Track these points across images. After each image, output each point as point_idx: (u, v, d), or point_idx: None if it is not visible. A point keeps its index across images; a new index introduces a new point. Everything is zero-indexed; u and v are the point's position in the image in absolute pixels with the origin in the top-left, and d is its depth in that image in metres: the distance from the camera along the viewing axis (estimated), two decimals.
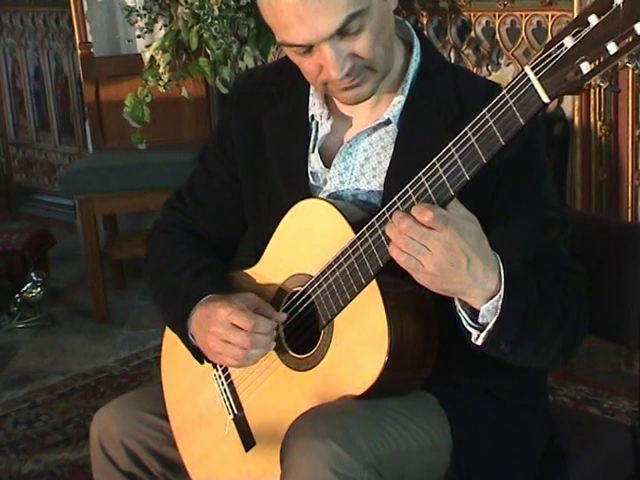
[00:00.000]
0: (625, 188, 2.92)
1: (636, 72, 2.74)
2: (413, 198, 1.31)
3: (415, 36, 1.54)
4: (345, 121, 1.56)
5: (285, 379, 1.50)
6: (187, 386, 1.66)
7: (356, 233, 1.39)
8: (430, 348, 1.42)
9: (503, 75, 3.10)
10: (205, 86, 3.82)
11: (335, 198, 1.53)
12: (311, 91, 1.58)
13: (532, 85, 1.19)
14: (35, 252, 3.96)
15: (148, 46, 3.34)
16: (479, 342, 1.34)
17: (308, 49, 1.41)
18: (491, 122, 1.23)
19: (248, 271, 1.61)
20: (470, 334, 1.35)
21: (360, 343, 1.41)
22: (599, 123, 2.87)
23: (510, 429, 1.52)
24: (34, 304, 3.77)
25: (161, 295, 1.68)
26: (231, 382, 1.59)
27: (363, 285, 1.39)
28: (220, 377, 1.60)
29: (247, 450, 1.55)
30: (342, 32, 1.38)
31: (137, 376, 3.25)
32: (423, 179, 1.30)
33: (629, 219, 2.91)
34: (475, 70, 3.11)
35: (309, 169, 1.57)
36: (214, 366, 1.60)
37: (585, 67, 1.14)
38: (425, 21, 3.23)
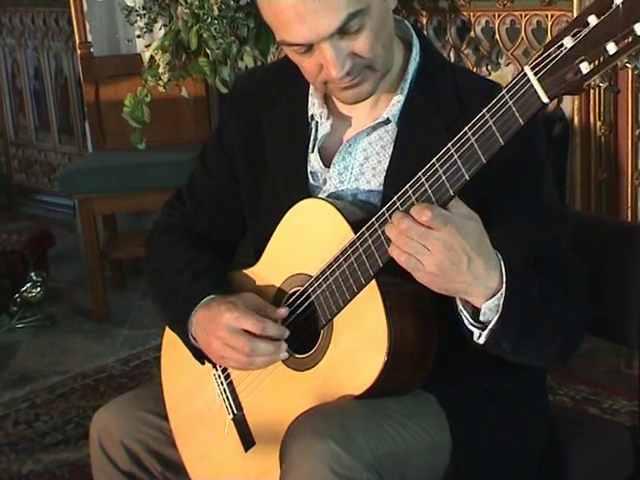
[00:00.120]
0: (625, 188, 2.92)
1: (636, 72, 2.74)
2: (413, 198, 1.31)
3: (414, 35, 1.54)
4: (344, 121, 1.56)
5: (285, 379, 1.50)
6: (187, 386, 1.66)
7: (356, 233, 1.39)
8: (430, 348, 1.42)
9: (503, 75, 3.10)
10: (205, 86, 3.82)
11: (335, 198, 1.53)
12: (310, 91, 1.58)
13: (531, 85, 1.19)
14: (35, 252, 3.97)
15: (148, 46, 3.34)
16: (481, 341, 1.34)
17: (308, 48, 1.41)
18: (490, 122, 1.23)
19: (248, 271, 1.61)
20: (472, 333, 1.35)
21: (360, 343, 1.41)
22: (599, 123, 2.87)
23: (510, 429, 1.52)
24: (34, 304, 3.77)
25: (161, 295, 1.68)
26: (231, 382, 1.59)
27: (363, 285, 1.39)
28: (220, 377, 1.60)
29: (247, 450, 1.55)
30: (342, 31, 1.38)
31: (137, 376, 3.25)
32: (423, 179, 1.30)
33: (629, 219, 2.91)
34: (475, 70, 3.11)
35: (309, 169, 1.57)
36: (214, 366, 1.60)
37: (584, 67, 1.14)
38: (425, 21, 3.23)
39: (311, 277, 1.46)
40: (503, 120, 1.22)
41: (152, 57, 3.28)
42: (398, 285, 1.40)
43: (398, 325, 1.38)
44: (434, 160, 1.29)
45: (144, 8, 3.33)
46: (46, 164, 5.25)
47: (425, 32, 3.16)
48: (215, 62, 3.24)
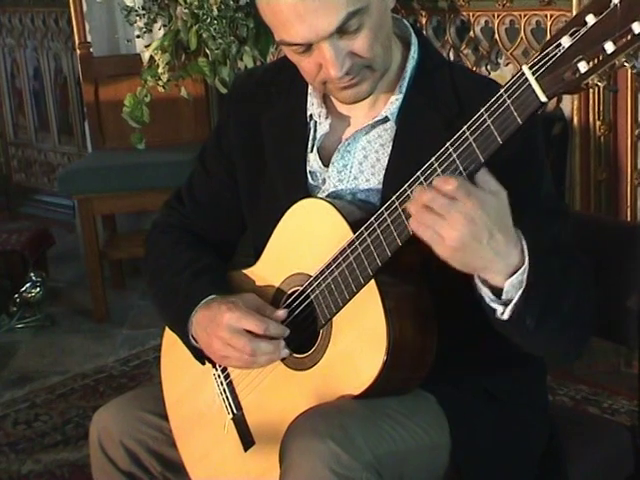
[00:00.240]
0: (624, 188, 2.92)
1: (634, 71, 2.73)
2: (411, 198, 1.31)
3: (412, 34, 1.54)
4: (343, 120, 1.56)
5: (284, 379, 1.50)
6: (187, 386, 1.66)
7: (355, 233, 1.39)
8: (429, 347, 1.42)
9: (502, 75, 3.10)
10: (204, 86, 3.82)
11: (334, 197, 1.53)
12: (309, 90, 1.58)
13: (530, 84, 1.19)
14: (34, 252, 3.97)
15: (147, 46, 3.35)
16: (505, 316, 1.31)
17: (307, 48, 1.41)
18: (489, 122, 1.23)
19: (247, 271, 1.61)
20: (494, 310, 1.32)
21: (359, 342, 1.41)
22: (598, 123, 2.87)
23: (509, 429, 1.52)
24: (33, 304, 3.77)
25: (160, 295, 1.68)
26: (230, 382, 1.59)
27: (362, 284, 1.39)
28: (219, 377, 1.60)
29: (246, 450, 1.55)
30: (341, 30, 1.38)
31: (137, 376, 3.25)
32: (421, 178, 1.30)
33: (628, 219, 2.91)
34: (474, 70, 3.11)
35: (308, 168, 1.57)
36: (213, 366, 1.60)
37: (582, 66, 1.14)
38: (424, 21, 3.23)
39: (310, 277, 1.46)
40: (501, 119, 1.22)
41: (152, 57, 3.29)
42: (397, 285, 1.40)
43: (397, 325, 1.38)
44: (432, 160, 1.29)
45: (143, 8, 3.33)
46: (46, 164, 5.25)
47: (424, 32, 3.16)
48: (215, 62, 3.25)
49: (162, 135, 3.80)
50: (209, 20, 3.12)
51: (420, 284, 1.42)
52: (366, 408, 1.40)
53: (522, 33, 3.04)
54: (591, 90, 2.78)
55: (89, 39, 4.06)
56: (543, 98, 1.18)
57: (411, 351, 1.40)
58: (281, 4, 1.37)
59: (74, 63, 4.74)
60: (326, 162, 1.55)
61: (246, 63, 3.23)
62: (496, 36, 3.11)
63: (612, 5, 1.11)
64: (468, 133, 1.25)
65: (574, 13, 2.71)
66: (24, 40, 5.18)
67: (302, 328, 1.48)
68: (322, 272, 1.44)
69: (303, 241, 1.50)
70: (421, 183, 1.30)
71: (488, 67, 3.19)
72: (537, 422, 1.57)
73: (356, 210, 1.47)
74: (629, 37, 1.11)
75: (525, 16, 3.02)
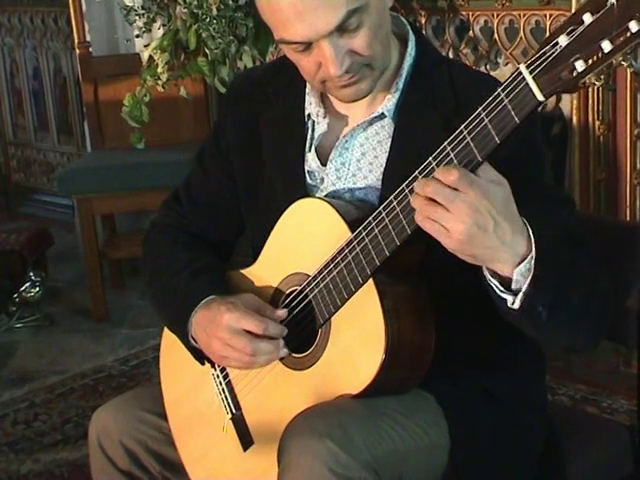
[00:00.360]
0: (623, 187, 2.92)
1: (631, 70, 2.74)
2: (409, 197, 1.31)
3: (410, 31, 1.54)
4: (341, 119, 1.56)
5: (283, 378, 1.50)
6: (186, 385, 1.66)
7: (353, 232, 1.39)
8: (427, 347, 1.42)
9: (501, 74, 3.09)
10: (204, 86, 3.82)
11: (332, 197, 1.53)
12: (307, 90, 1.58)
13: (527, 84, 1.19)
14: (34, 252, 3.97)
15: (147, 46, 3.34)
16: (516, 306, 1.30)
17: (307, 46, 1.41)
18: (486, 121, 1.23)
19: (246, 271, 1.61)
20: (505, 301, 1.31)
21: (357, 342, 1.41)
22: (597, 122, 2.87)
23: (508, 428, 1.52)
24: (33, 304, 3.77)
25: (159, 296, 1.68)
26: (229, 381, 1.59)
27: (360, 284, 1.39)
28: (218, 376, 1.60)
29: (245, 449, 1.55)
30: (341, 29, 1.38)
31: (136, 376, 3.25)
32: (420, 177, 1.30)
33: (627, 218, 2.91)
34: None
35: (306, 168, 1.57)
36: (212, 366, 1.60)
37: (580, 65, 1.14)
38: (423, 20, 3.23)
39: (309, 276, 1.46)
40: (499, 118, 1.22)
41: (151, 57, 3.29)
42: (396, 284, 1.40)
43: (396, 324, 1.38)
44: (430, 159, 1.29)
45: (143, 8, 3.34)
46: (45, 164, 5.25)
47: (424, 31, 3.16)
48: (214, 62, 3.24)
49: (161, 135, 3.80)
50: (208, 20, 3.12)
51: (418, 283, 1.42)
52: (365, 407, 1.40)
53: (521, 33, 3.04)
54: (590, 90, 2.78)
55: (88, 39, 4.06)
56: (540, 97, 1.18)
57: (410, 350, 1.40)
58: (281, 3, 1.37)
59: (73, 63, 4.74)
60: (324, 161, 1.55)
61: (245, 63, 3.23)
62: (495, 36, 3.11)
63: (609, 4, 1.11)
64: (466, 132, 1.25)
65: None
66: (23, 40, 5.18)
67: (301, 328, 1.48)
68: (320, 272, 1.44)
69: (301, 241, 1.50)
70: None
71: (487, 67, 3.19)
72: (536, 421, 1.57)
73: (354, 209, 1.47)
74: (626, 36, 1.11)
75: (524, 16, 3.02)
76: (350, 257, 1.39)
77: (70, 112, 4.99)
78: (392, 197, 1.33)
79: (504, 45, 3.11)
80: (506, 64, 3.14)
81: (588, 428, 1.72)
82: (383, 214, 1.34)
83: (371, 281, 1.38)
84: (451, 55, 3.20)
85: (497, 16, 3.09)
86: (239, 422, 1.56)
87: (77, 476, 2.63)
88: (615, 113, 2.87)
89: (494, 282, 1.31)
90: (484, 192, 1.23)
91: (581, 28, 1.14)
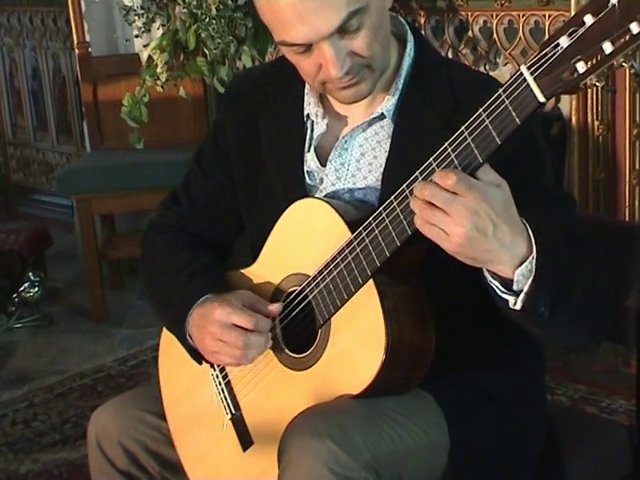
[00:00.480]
0: (622, 187, 2.92)
1: (632, 71, 2.73)
2: (410, 198, 1.31)
3: (408, 31, 1.54)
4: (340, 120, 1.56)
5: (282, 378, 1.50)
6: (185, 386, 1.66)
7: (353, 232, 1.39)
8: (427, 347, 1.42)
9: (501, 74, 3.10)
10: (203, 86, 3.83)
11: (332, 197, 1.53)
12: (306, 90, 1.58)
13: (528, 85, 1.19)
14: (33, 252, 3.97)
15: (146, 46, 3.34)
16: (518, 306, 1.30)
17: (307, 48, 1.41)
18: (487, 122, 1.23)
19: (245, 271, 1.61)
20: (506, 301, 1.31)
21: (357, 342, 1.41)
22: (596, 122, 2.88)
23: (508, 428, 1.52)
24: (32, 304, 3.77)
25: (158, 296, 1.68)
26: (228, 382, 1.59)
27: (360, 284, 1.39)
28: (217, 377, 1.60)
29: (245, 449, 1.55)
30: (342, 30, 1.38)
31: (135, 376, 3.25)
32: (420, 178, 1.30)
33: (626, 218, 2.91)
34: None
35: (305, 168, 1.57)
36: (211, 366, 1.60)
37: (581, 67, 1.14)
38: (423, 20, 3.24)
39: (308, 277, 1.46)
40: (500, 120, 1.22)
41: (150, 57, 3.28)
42: (396, 285, 1.40)
43: (396, 324, 1.38)
44: (431, 159, 1.29)
45: (142, 8, 3.33)
46: (44, 164, 5.25)
47: (423, 32, 3.16)
48: (213, 62, 3.24)
49: (161, 135, 3.80)
50: (208, 20, 3.12)
51: (418, 284, 1.42)
52: (365, 408, 1.40)
53: (520, 33, 3.04)
54: (589, 90, 2.79)
55: (88, 39, 4.06)
56: (541, 98, 1.18)
57: (410, 351, 1.40)
58: (281, 4, 1.37)
59: (73, 63, 4.74)
60: (323, 162, 1.55)
61: (244, 63, 3.23)
62: (494, 36, 3.12)
63: (610, 5, 1.11)
64: (466, 133, 1.25)
65: (572, 13, 2.71)
66: (22, 40, 5.18)
67: (301, 328, 1.48)
68: (320, 272, 1.44)
69: (301, 241, 1.50)
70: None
71: (487, 67, 3.19)
72: (535, 421, 1.57)
73: (353, 210, 1.47)
74: (627, 37, 1.11)
75: (524, 16, 3.02)
76: (350, 257, 1.39)
77: (69, 112, 4.99)
78: (392, 198, 1.33)
79: (503, 45, 3.11)
80: (505, 64, 3.14)
81: (587, 428, 1.72)
82: (383, 215, 1.34)
83: (371, 281, 1.38)
84: (450, 55, 3.20)
85: (496, 16, 3.09)
86: (239, 422, 1.56)
87: (76, 476, 2.63)
88: (614, 113, 2.87)
89: (495, 283, 1.31)
90: (483, 195, 1.23)
91: (582, 29, 1.14)
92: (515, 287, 1.30)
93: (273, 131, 1.60)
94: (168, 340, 1.67)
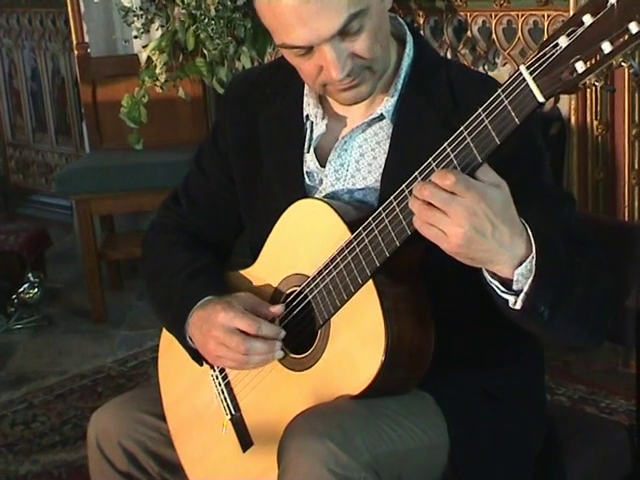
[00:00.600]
0: (622, 187, 2.92)
1: (631, 71, 2.73)
2: (409, 198, 1.31)
3: (408, 32, 1.54)
4: (340, 121, 1.56)
5: (282, 379, 1.50)
6: (184, 386, 1.66)
7: (352, 233, 1.39)
8: (427, 347, 1.42)
9: (499, 75, 3.10)
10: (202, 86, 3.83)
11: (331, 198, 1.53)
12: (305, 91, 1.58)
13: (527, 85, 1.19)
14: (32, 253, 3.96)
15: (145, 46, 3.34)
16: (518, 306, 1.30)
17: (308, 50, 1.41)
18: (486, 122, 1.23)
19: (245, 271, 1.61)
20: (506, 301, 1.31)
21: (357, 343, 1.41)
22: (595, 122, 2.88)
23: (507, 428, 1.52)
24: (31, 305, 3.77)
25: (158, 297, 1.68)
26: (228, 382, 1.59)
27: (360, 285, 1.39)
28: (217, 377, 1.60)
29: (244, 450, 1.55)
30: (343, 32, 1.38)
31: (134, 376, 3.25)
32: (419, 178, 1.30)
33: (626, 218, 2.91)
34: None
35: (305, 169, 1.57)
36: (211, 367, 1.60)
37: (580, 66, 1.14)
38: (422, 21, 3.24)
39: (308, 277, 1.46)
40: (499, 120, 1.22)
41: (149, 58, 3.29)
42: (395, 285, 1.40)
43: (395, 325, 1.38)
44: (430, 160, 1.29)
45: (141, 9, 3.34)
46: (43, 165, 5.25)
47: (422, 32, 3.16)
48: (212, 62, 3.25)
49: (160, 135, 3.80)
50: (207, 20, 3.13)
51: (418, 284, 1.42)
52: (364, 408, 1.40)
53: (519, 33, 3.04)
54: (588, 90, 2.79)
55: (87, 39, 4.06)
56: (541, 98, 1.18)
57: (409, 351, 1.40)
58: (282, 6, 1.37)
59: (72, 64, 4.74)
60: (323, 162, 1.55)
61: (244, 63, 3.23)
62: (493, 36, 3.12)
63: (609, 5, 1.11)
64: (466, 133, 1.25)
65: (571, 13, 2.71)
66: (21, 41, 5.18)
67: (300, 328, 1.48)
68: (320, 273, 1.44)
69: (301, 242, 1.50)
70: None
71: (485, 67, 3.19)
72: (535, 421, 1.58)
73: (353, 210, 1.47)
74: (626, 37, 1.11)
75: (522, 16, 3.03)
76: (350, 258, 1.39)
77: (68, 113, 4.99)
78: (392, 198, 1.33)
79: (502, 45, 3.11)
80: (504, 64, 3.14)
81: (587, 428, 1.72)
82: (383, 215, 1.34)
83: (371, 282, 1.38)
84: (449, 55, 3.20)
85: (495, 16, 3.10)
86: (238, 423, 1.56)
87: (76, 477, 2.63)
88: (613, 113, 2.87)
89: (495, 283, 1.31)
90: (482, 195, 1.23)
91: (581, 29, 1.14)
92: (515, 287, 1.30)
93: (272, 132, 1.60)
94: (168, 341, 1.67)
